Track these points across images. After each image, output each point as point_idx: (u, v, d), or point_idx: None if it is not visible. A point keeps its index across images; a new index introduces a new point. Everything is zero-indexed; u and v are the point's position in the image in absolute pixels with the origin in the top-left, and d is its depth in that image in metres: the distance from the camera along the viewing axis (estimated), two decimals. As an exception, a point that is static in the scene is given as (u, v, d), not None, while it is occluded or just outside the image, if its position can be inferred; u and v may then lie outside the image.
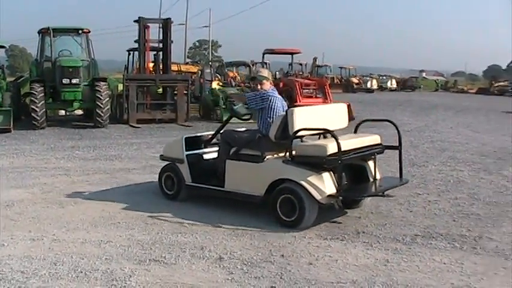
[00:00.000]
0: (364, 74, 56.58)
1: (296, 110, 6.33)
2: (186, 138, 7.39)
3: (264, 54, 23.16)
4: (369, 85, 47.77)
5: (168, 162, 7.55)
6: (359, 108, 21.96)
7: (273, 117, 6.63)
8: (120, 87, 18.21)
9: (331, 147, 5.95)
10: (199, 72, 23.80)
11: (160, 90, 18.42)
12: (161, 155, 7.72)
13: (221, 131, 7.31)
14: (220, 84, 22.18)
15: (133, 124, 16.70)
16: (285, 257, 5.21)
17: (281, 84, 20.77)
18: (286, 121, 6.29)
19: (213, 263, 5.06)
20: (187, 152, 7.27)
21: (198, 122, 18.06)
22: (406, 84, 53.96)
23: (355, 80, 48.13)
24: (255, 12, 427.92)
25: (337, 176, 6.02)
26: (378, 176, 6.64)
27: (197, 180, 7.14)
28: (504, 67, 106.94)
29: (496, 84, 50.89)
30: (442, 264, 5.04)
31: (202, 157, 7.46)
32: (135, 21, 17.81)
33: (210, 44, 65.73)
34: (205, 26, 60.94)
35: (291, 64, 25.00)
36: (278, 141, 6.43)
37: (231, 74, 25.80)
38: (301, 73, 32.93)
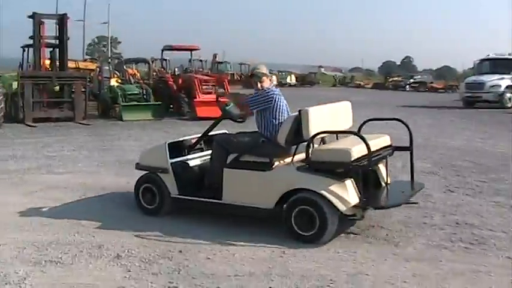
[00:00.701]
0: (264, 70, 57.12)
1: (311, 110, 5.64)
2: (169, 144, 6.49)
3: (162, 50, 23.00)
4: (268, 81, 48.24)
5: (145, 172, 6.65)
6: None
7: (278, 119, 5.93)
8: (15, 85, 17.61)
9: (355, 152, 5.40)
10: (98, 69, 23.36)
11: (57, 88, 17.92)
12: (137, 164, 6.77)
13: (210, 135, 6.59)
14: (119, 81, 21.85)
15: (30, 123, 16.24)
16: (183, 253, 5.24)
17: (180, 81, 20.81)
18: (298, 123, 5.66)
19: (110, 262, 5.02)
20: (172, 160, 6.40)
21: (96, 120, 17.75)
22: (305, 80, 55.14)
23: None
24: (156, 9, 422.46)
25: (359, 183, 5.48)
26: (388, 181, 6.27)
27: (185, 191, 6.28)
28: (398, 63, 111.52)
29: (391, 79, 53.13)
30: (336, 254, 5.22)
31: (189, 165, 6.58)
32: (29, 16, 17.28)
33: (109, 41, 64.45)
34: (104, 23, 59.82)
35: (190, 60, 24.96)
36: (288, 145, 5.76)
37: (130, 71, 25.33)
38: (201, 69, 32.90)
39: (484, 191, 7.73)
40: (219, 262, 5.03)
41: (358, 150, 5.39)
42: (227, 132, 6.82)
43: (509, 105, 26.07)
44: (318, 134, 5.59)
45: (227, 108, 6.40)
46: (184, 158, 6.57)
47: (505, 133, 15.53)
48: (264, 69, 6.23)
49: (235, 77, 47.37)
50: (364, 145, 5.30)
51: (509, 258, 5.06)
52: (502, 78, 26.48)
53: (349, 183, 5.45)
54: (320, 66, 79.83)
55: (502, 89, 26.22)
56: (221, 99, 6.82)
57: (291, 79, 54.02)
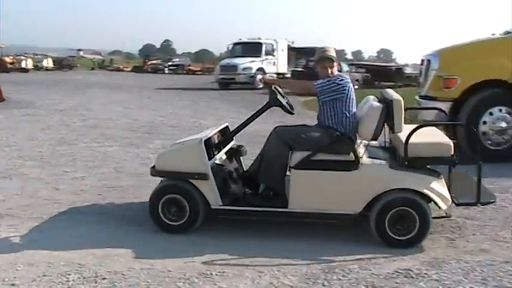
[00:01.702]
0: (18, 53, 54.07)
1: (401, 99, 5.00)
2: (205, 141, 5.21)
3: None
4: (23, 65, 45.70)
5: (169, 181, 5.33)
6: (12, 88, 21.17)
7: (351, 111, 5.21)
8: None
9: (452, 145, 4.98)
10: None
11: None
12: (155, 169, 5.34)
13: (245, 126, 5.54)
14: None
15: None
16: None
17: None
18: (386, 115, 5.00)
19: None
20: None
21: None
22: (62, 64, 53.00)
23: (8, 60, 45.65)
24: None
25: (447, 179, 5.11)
26: None
27: (231, 201, 5.21)
28: (158, 46, 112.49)
29: (150, 63, 53.37)
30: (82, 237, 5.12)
31: (230, 168, 5.56)
32: None
33: None
34: None
35: None
36: (373, 141, 5.21)
37: None
38: None
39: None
40: None
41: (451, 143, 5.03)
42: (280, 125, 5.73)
43: (260, 86, 27.79)
44: (421, 126, 5.00)
45: (279, 97, 5.42)
46: (215, 158, 5.37)
47: (255, 112, 16.56)
48: (334, 52, 5.37)
49: None
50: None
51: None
52: (253, 61, 28.18)
53: (443, 180, 5.07)
54: (79, 50, 77.56)
55: (254, 71, 27.95)
56: (269, 83, 5.67)
57: (48, 63, 51.55)
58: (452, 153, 4.95)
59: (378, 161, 5.10)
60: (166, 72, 48.88)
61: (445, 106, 8.80)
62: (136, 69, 51.73)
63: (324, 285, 4.05)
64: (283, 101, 5.44)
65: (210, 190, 5.08)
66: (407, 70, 32.43)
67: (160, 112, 15.72)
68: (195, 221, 5.15)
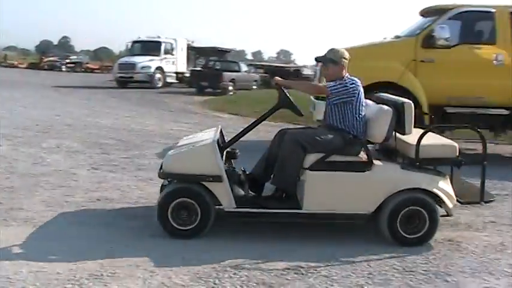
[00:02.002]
0: None
1: (411, 103, 5.17)
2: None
3: None
4: None
5: (178, 184, 5.13)
6: None
7: (361, 114, 5.23)
8: None
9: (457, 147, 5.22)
10: None
11: None
12: (165, 173, 5.13)
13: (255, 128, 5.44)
14: None
15: None
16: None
17: None
18: (398, 117, 5.09)
19: None
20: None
21: None
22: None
23: None
24: None
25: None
26: None
27: (245, 203, 5.08)
28: (56, 43, 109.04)
29: (46, 59, 51.61)
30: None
31: (243, 169, 5.44)
32: None
33: None
34: None
35: None
36: (384, 143, 5.29)
37: None
38: None
39: (127, 167, 8.08)
40: None
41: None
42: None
43: (159, 85, 27.64)
44: (435, 126, 5.40)
45: (290, 98, 5.28)
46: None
47: (154, 111, 16.50)
48: (347, 54, 5.39)
49: None
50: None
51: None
52: (152, 60, 27.92)
53: (448, 180, 5.23)
54: (-33, 45, 73.85)
55: (152, 70, 27.68)
56: (279, 84, 5.42)
57: None
58: (458, 154, 5.19)
59: (389, 162, 5.30)
60: (64, 69, 47.47)
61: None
62: (32, 66, 49.87)
63: (215, 284, 4.10)
64: (293, 102, 5.36)
65: (224, 193, 4.98)
66: (306, 71, 33.14)
67: (56, 111, 15.28)
68: (205, 225, 5.03)
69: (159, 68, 28.14)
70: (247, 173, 5.44)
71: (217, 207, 5.01)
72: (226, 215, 5.05)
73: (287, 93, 5.32)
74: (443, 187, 5.10)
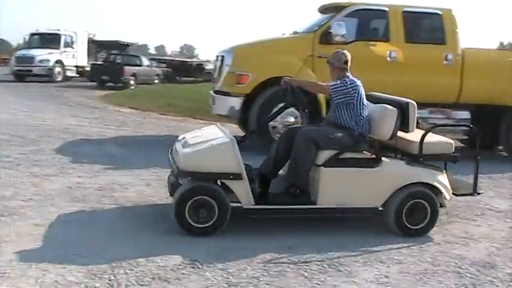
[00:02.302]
0: None
1: (415, 103, 5.48)
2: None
3: None
4: None
5: (196, 182, 5.06)
6: None
7: (364, 112, 5.54)
8: None
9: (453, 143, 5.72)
10: None
11: None
12: (183, 171, 5.05)
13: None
14: None
15: None
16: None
17: None
18: (403, 116, 5.40)
19: None
20: None
21: None
22: None
23: None
24: None
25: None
26: None
27: (263, 200, 5.18)
28: None
29: None
30: None
31: (259, 167, 5.62)
32: None
33: None
34: None
35: None
36: (389, 140, 5.53)
37: None
38: None
39: (23, 163, 7.80)
40: None
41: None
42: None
43: (59, 79, 26.85)
44: (436, 125, 5.99)
45: (298, 93, 5.54)
46: None
47: (52, 106, 16.02)
48: (347, 57, 5.65)
49: None
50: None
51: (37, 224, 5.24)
52: (51, 53, 27.07)
53: (445, 174, 5.64)
54: None
55: (51, 63, 26.86)
56: (287, 83, 5.59)
57: None
58: (454, 150, 5.66)
59: (394, 159, 5.70)
60: (-45, 62, 45.20)
61: (238, 101, 9.24)
62: None
63: (110, 280, 4.05)
64: (299, 101, 5.62)
65: (243, 190, 5.07)
66: (208, 66, 33.14)
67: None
68: (222, 223, 5.06)
69: (59, 62, 27.30)
70: (255, 170, 5.54)
71: (232, 204, 5.12)
72: (245, 212, 5.14)
73: (296, 92, 5.54)
74: (442, 181, 5.52)
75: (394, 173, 5.44)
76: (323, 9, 10.66)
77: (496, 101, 9.87)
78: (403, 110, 5.45)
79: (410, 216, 5.40)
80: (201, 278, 4.18)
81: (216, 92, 9.78)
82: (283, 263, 4.56)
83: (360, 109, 5.52)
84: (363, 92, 5.59)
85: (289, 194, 5.36)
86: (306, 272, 4.40)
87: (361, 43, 9.63)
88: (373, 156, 5.46)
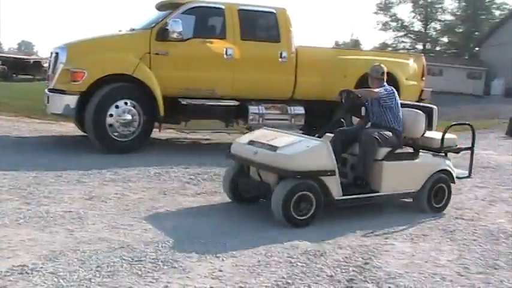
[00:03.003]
0: None
1: (436, 108, 6.94)
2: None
3: None
4: None
5: (297, 180, 5.75)
6: None
7: (400, 115, 6.82)
8: None
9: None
10: None
11: None
12: (289, 171, 5.73)
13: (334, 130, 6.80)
14: None
15: None
16: None
17: None
18: (429, 118, 6.80)
19: None
20: None
21: None
22: None
23: None
24: None
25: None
26: None
27: (346, 191, 6.13)
28: None
29: None
30: None
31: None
32: None
33: None
34: None
35: None
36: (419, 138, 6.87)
37: None
38: None
39: None
40: None
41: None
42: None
43: None
44: (452, 125, 7.14)
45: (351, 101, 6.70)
46: None
47: None
48: (384, 69, 6.99)
49: None
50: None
51: None
52: None
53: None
54: None
55: None
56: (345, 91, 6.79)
57: None
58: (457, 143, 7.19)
59: (424, 152, 6.93)
60: None
61: (73, 99, 8.95)
62: None
63: None
64: (356, 108, 6.85)
65: (335, 184, 5.97)
66: (47, 63, 31.71)
67: None
68: (317, 213, 5.85)
69: None
70: None
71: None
72: (335, 203, 6.03)
73: (354, 100, 6.65)
74: (452, 166, 7.05)
75: (428, 163, 6.85)
76: (160, 6, 10.62)
77: (327, 97, 10.39)
78: (429, 114, 6.78)
79: (435, 197, 6.85)
80: (29, 284, 3.99)
81: (51, 90, 9.39)
82: (115, 263, 4.48)
83: (398, 112, 6.78)
84: (398, 97, 6.83)
85: (356, 185, 6.39)
86: (139, 270, 4.36)
87: (197, 40, 9.70)
88: (413, 150, 6.80)
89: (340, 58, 10.89)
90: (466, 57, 57.88)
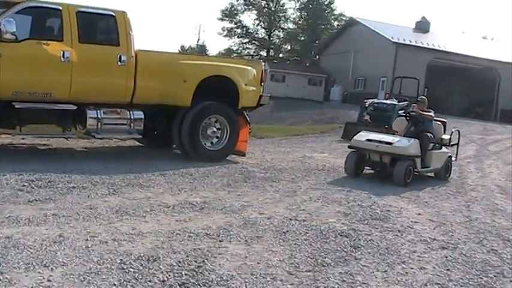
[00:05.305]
0: None
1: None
2: None
3: None
4: None
5: (409, 160, 10.68)
6: None
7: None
8: None
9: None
10: None
11: None
12: (407, 156, 10.50)
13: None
14: None
15: None
16: None
17: None
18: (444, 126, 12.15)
19: None
20: None
21: None
22: None
23: None
24: None
25: None
26: None
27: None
28: None
29: None
30: None
31: None
32: None
33: None
34: None
35: None
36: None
37: None
38: None
39: None
40: None
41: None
42: None
43: None
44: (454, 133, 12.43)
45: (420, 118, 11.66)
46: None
47: None
48: (426, 101, 11.91)
49: None
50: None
51: None
52: None
53: None
54: None
55: None
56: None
57: None
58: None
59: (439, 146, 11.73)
60: None
61: None
62: None
63: None
64: (418, 122, 11.43)
65: (418, 163, 10.77)
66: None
67: None
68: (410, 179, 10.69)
69: None
70: None
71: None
72: (419, 172, 11.08)
73: (419, 117, 11.48)
74: (450, 153, 11.99)
75: (445, 152, 11.67)
76: (-6, 5, 10.02)
77: (167, 102, 10.40)
78: (443, 123, 12.00)
79: (447, 172, 11.75)
80: None
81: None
82: None
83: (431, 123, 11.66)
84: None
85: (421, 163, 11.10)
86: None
87: (33, 42, 9.27)
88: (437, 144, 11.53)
89: (180, 63, 10.91)
90: (307, 65, 60.37)
